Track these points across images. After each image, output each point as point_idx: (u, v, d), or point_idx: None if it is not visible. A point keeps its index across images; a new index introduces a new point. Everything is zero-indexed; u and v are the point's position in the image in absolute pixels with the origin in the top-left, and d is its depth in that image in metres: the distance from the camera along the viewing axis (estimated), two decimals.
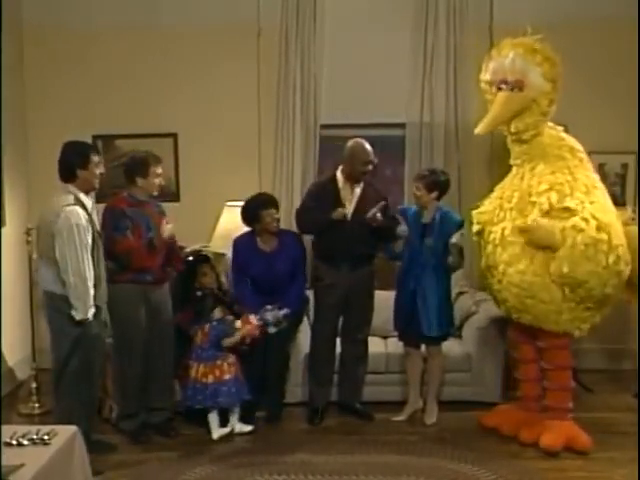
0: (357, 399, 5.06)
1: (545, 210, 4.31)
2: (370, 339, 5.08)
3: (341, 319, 4.97)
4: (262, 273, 4.91)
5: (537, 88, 4.39)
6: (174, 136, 5.84)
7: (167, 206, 4.89)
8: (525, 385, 4.76)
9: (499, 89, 4.46)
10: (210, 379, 4.60)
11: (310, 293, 5.15)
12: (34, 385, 5.14)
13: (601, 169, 5.42)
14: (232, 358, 4.67)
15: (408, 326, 4.80)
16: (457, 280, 5.29)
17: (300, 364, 5.09)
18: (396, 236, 4.74)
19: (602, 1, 5.62)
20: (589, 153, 4.60)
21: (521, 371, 4.78)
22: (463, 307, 5.34)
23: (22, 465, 2.71)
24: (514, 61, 4.38)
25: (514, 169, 4.63)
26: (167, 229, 4.55)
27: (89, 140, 5.35)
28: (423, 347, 4.91)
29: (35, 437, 2.97)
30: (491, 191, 4.76)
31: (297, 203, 5.38)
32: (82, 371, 4.12)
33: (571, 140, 4.58)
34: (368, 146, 4.81)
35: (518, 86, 4.38)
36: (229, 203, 5.50)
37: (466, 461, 4.32)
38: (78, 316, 4.02)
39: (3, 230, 5.29)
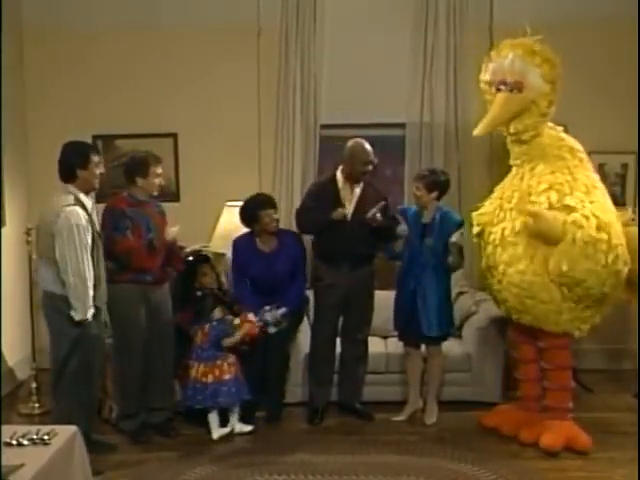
0: (357, 399, 5.06)
1: (545, 209, 4.30)
2: (370, 339, 5.08)
3: (341, 319, 4.97)
4: (262, 273, 4.91)
5: (536, 89, 4.39)
6: (174, 136, 5.84)
7: (167, 206, 4.89)
8: (525, 385, 4.76)
9: (498, 90, 4.46)
10: (210, 379, 4.60)
11: (310, 293, 5.15)
12: (34, 385, 5.14)
13: (601, 169, 5.42)
14: (232, 358, 4.67)
15: (408, 326, 4.80)
16: (457, 280, 5.29)
17: (300, 364, 5.09)
18: (396, 236, 4.74)
19: (602, 1, 5.62)
20: (589, 153, 4.60)
21: (521, 371, 4.78)
22: (463, 307, 5.34)
23: (22, 465, 2.71)
24: (513, 62, 4.37)
25: (514, 169, 4.63)
26: (171, 232, 4.55)
27: (89, 140, 5.35)
28: (423, 347, 4.91)
29: (35, 437, 2.97)
30: (491, 191, 4.76)
31: (297, 203, 5.38)
32: (81, 371, 4.12)
33: (571, 140, 4.58)
34: (368, 146, 4.81)
35: (517, 87, 4.38)
36: (229, 203, 5.50)
37: (466, 461, 4.32)
38: (77, 316, 4.02)
39: (3, 230, 5.29)
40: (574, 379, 4.77)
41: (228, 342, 4.65)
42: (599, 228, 4.20)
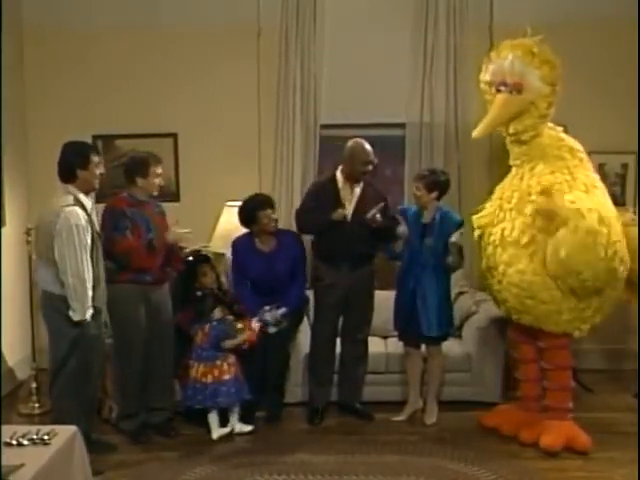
0: (357, 399, 5.06)
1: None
2: (370, 339, 5.08)
3: (341, 319, 4.97)
4: (262, 274, 4.91)
5: (536, 91, 4.38)
6: (174, 136, 5.84)
7: (167, 206, 4.89)
8: (525, 385, 4.76)
9: (498, 91, 4.46)
10: (209, 379, 4.60)
11: (310, 293, 5.15)
12: (34, 385, 5.14)
13: (601, 169, 5.41)
14: (232, 358, 4.67)
15: (408, 326, 4.80)
16: (457, 280, 5.30)
17: (300, 364, 5.09)
18: (396, 236, 4.74)
19: (602, 1, 5.62)
20: (589, 153, 4.60)
21: (521, 371, 4.78)
22: (463, 307, 5.35)
23: (22, 465, 2.71)
24: (513, 63, 4.37)
25: (513, 169, 4.63)
26: (173, 233, 4.55)
27: (89, 140, 5.35)
28: (423, 347, 4.91)
29: (35, 437, 2.97)
30: (491, 192, 4.76)
31: (297, 203, 5.38)
32: (80, 372, 4.11)
33: (570, 140, 4.58)
34: (368, 146, 4.81)
35: (517, 89, 4.38)
36: (229, 203, 5.49)
37: (466, 461, 4.32)
38: (76, 317, 4.02)
39: (3, 230, 5.29)
40: (574, 379, 4.77)
41: (229, 344, 4.65)
42: (600, 221, 4.20)
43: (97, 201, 4.51)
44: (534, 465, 4.30)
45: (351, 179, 4.85)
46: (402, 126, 5.81)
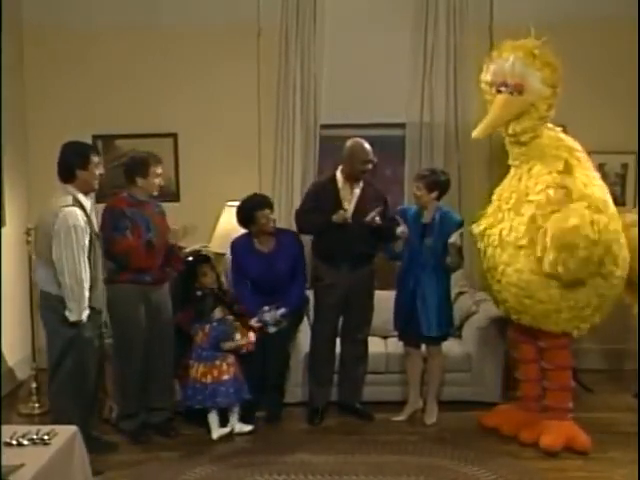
0: (357, 399, 5.06)
1: (544, 204, 4.31)
2: (370, 339, 5.08)
3: (341, 319, 4.97)
4: (262, 274, 4.90)
5: (536, 92, 4.39)
6: (174, 136, 5.84)
7: (167, 206, 4.89)
8: (525, 385, 4.76)
9: (499, 91, 4.46)
10: (209, 379, 4.60)
11: (310, 293, 5.15)
12: (34, 385, 5.14)
13: (601, 169, 5.39)
14: (231, 358, 4.67)
15: (408, 326, 4.80)
16: (457, 280, 5.30)
17: (300, 364, 5.09)
18: (395, 237, 4.74)
19: (602, 1, 5.62)
20: (589, 153, 4.60)
21: (521, 371, 4.78)
22: (463, 307, 5.34)
23: (22, 465, 2.71)
24: (514, 65, 4.37)
25: (512, 170, 4.64)
26: (175, 231, 4.55)
27: (89, 140, 5.35)
28: (423, 347, 4.91)
29: (35, 437, 2.97)
30: (491, 192, 4.76)
31: (297, 203, 5.38)
32: (76, 372, 4.11)
33: (570, 140, 4.58)
34: (367, 145, 4.82)
35: (517, 90, 4.38)
36: (229, 203, 5.48)
37: (466, 461, 4.32)
38: (72, 317, 4.02)
39: (3, 230, 5.29)
40: (574, 379, 4.77)
41: (228, 346, 4.65)
42: (599, 211, 4.23)
43: (97, 201, 4.52)
44: (534, 465, 4.30)
45: (351, 179, 4.85)
46: (402, 126, 5.81)
